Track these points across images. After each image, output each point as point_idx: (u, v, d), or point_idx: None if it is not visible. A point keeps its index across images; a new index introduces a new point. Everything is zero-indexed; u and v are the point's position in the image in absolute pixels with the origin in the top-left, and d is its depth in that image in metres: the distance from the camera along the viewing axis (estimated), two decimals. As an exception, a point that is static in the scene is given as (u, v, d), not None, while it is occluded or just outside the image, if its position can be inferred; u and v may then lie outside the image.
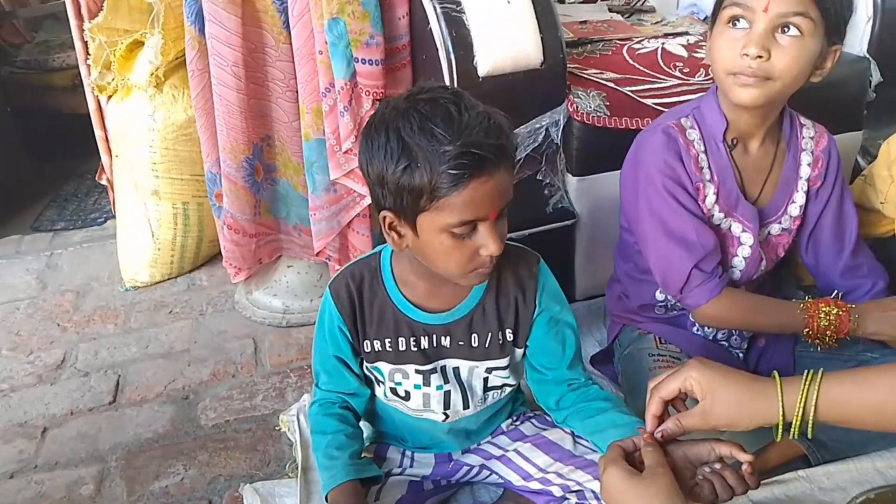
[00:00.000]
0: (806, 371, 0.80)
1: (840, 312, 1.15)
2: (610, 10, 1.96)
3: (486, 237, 0.86)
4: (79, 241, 2.26)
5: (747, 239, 1.20)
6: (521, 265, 1.02)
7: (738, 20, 1.06)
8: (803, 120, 1.24)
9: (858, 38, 1.58)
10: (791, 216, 1.23)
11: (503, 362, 1.04)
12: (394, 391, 1.06)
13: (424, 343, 1.01)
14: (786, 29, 1.04)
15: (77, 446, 1.39)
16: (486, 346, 1.02)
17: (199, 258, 2.00)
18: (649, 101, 1.40)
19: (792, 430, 0.80)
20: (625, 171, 1.25)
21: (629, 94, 1.42)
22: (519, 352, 1.06)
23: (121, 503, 1.26)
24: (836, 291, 1.23)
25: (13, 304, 1.89)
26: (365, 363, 1.06)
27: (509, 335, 1.03)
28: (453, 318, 1.01)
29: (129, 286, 1.94)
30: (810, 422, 0.79)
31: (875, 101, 1.61)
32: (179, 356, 1.64)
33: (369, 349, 1.03)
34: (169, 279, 1.96)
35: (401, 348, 1.01)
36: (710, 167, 1.17)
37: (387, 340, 1.01)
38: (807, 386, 0.78)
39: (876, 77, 1.58)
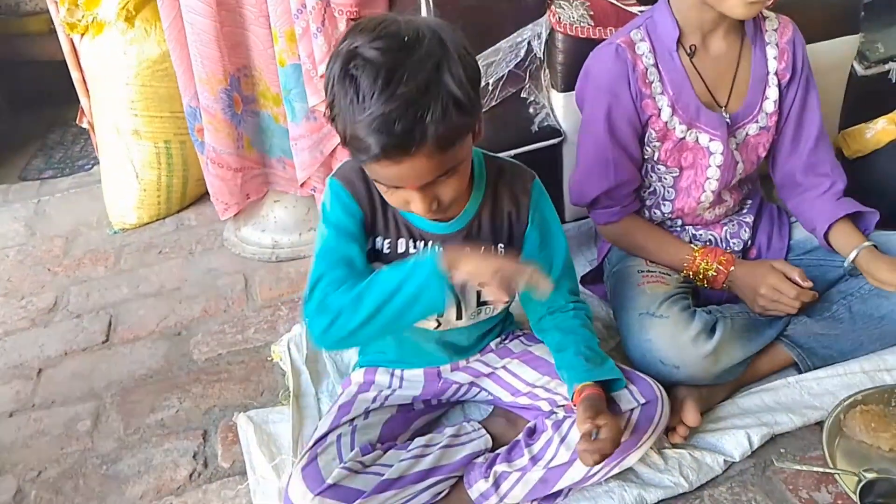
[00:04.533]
0: None
1: (716, 272, 1.20)
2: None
3: (411, 200, 0.86)
4: (66, 187, 2.23)
5: (717, 147, 1.19)
6: (516, 181, 1.02)
7: None
8: (766, 12, 1.20)
9: (855, -67, 1.50)
10: (767, 113, 1.21)
11: None
12: None
13: (421, 247, 1.00)
14: None
15: (72, 385, 1.40)
16: None
17: (186, 198, 1.98)
18: (634, 9, 1.34)
19: None
20: (578, 85, 1.25)
21: (614, 2, 1.35)
22: None
23: (118, 436, 1.27)
24: (730, 244, 1.28)
25: (2, 251, 1.88)
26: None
27: (502, 250, 1.02)
28: (450, 230, 1.00)
29: (117, 229, 1.92)
30: None
31: (873, 1, 1.55)
32: (171, 294, 1.64)
33: (370, 246, 1.00)
34: (157, 220, 1.94)
35: (399, 249, 1.00)
36: (661, 79, 1.16)
37: (387, 240, 1.00)
38: None
39: (875, -25, 1.51)
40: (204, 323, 1.53)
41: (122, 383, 1.39)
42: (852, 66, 1.60)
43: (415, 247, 1.00)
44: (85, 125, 2.09)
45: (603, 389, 0.99)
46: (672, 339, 1.10)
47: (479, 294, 1.04)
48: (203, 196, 1.98)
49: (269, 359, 1.39)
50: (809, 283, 1.15)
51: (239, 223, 1.80)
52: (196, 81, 1.56)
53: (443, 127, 0.78)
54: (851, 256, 1.16)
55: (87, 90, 1.98)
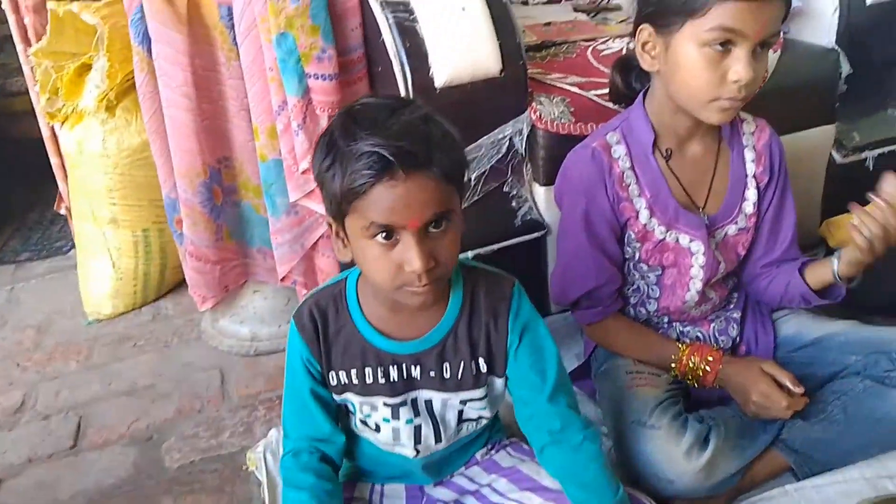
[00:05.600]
0: None
1: (703, 372, 1.17)
2: (575, 10, 1.91)
3: (408, 250, 0.81)
4: (42, 272, 2.19)
5: (698, 248, 1.18)
6: (494, 290, 0.96)
7: (725, 44, 1.00)
8: (743, 114, 1.20)
9: (826, 29, 1.54)
10: (746, 214, 1.20)
11: (478, 393, 0.98)
12: (364, 422, 1.00)
13: (393, 374, 0.95)
14: (763, 47, 1.02)
15: (35, 497, 1.32)
16: (459, 377, 0.96)
17: (163, 286, 1.94)
18: (615, 106, 1.35)
19: None
20: (555, 186, 1.25)
21: (594, 98, 1.37)
22: (499, 381, 0.99)
23: (80, 557, 1.20)
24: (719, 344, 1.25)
25: (-29, 343, 1.82)
26: (334, 396, 1.00)
27: (483, 365, 0.96)
28: (423, 346, 0.95)
29: (92, 319, 1.87)
30: None
31: (847, 92, 1.58)
32: (143, 392, 1.57)
33: (335, 382, 0.97)
34: (133, 310, 1.89)
35: (368, 380, 0.95)
36: (638, 182, 1.15)
37: (353, 371, 0.95)
38: None
39: (846, 68, 1.54)
40: (177, 425, 1.46)
41: (88, 495, 1.32)
42: (831, 154, 1.62)
43: (384, 374, 0.95)
44: (63, 211, 2.06)
45: None
46: (665, 452, 1.06)
47: (460, 413, 0.99)
48: (181, 283, 1.93)
49: (244, 467, 1.32)
50: (801, 389, 1.12)
51: (217, 314, 1.75)
52: (175, 174, 1.54)
53: (445, 154, 0.81)
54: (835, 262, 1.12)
55: (66, 176, 1.97)
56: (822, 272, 1.15)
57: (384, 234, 0.82)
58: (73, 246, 2.29)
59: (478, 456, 1.09)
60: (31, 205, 2.70)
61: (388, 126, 0.80)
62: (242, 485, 1.29)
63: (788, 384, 1.11)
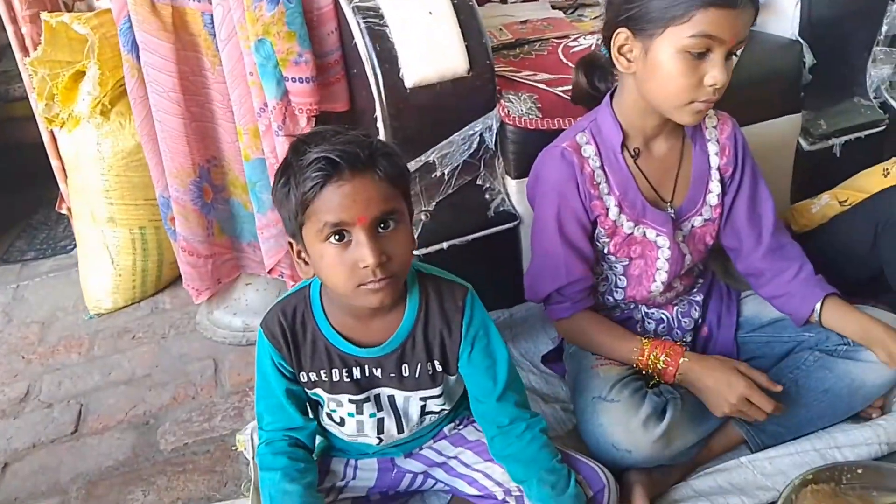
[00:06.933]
0: None
1: (666, 361, 1.19)
2: (553, 7, 1.96)
3: (360, 246, 0.88)
4: (46, 270, 2.27)
5: (664, 242, 1.23)
6: (447, 297, 1.02)
7: (703, 52, 1.04)
8: None
9: (789, 21, 1.60)
10: (711, 205, 1.25)
11: (436, 391, 1.04)
12: (329, 416, 1.07)
13: (357, 373, 1.02)
14: (734, 52, 1.06)
15: (38, 479, 1.40)
16: (417, 376, 1.03)
17: (161, 281, 2.02)
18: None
19: None
20: (528, 184, 1.29)
21: (560, 94, 1.43)
22: (452, 378, 1.06)
23: (81, 534, 1.28)
24: (681, 338, 1.31)
25: (-22, 339, 1.91)
26: (306, 390, 1.07)
27: (438, 366, 1.03)
28: (384, 352, 1.01)
29: (93, 314, 1.95)
30: None
31: (811, 82, 1.63)
32: (141, 381, 1.65)
33: (306, 379, 1.04)
34: (132, 304, 1.97)
35: (335, 379, 1.02)
36: (608, 181, 1.20)
37: (321, 372, 1.02)
38: None
39: (809, 59, 1.59)
40: (172, 411, 1.54)
41: (88, 476, 1.40)
42: (798, 141, 1.68)
43: (348, 374, 1.02)
44: (64, 211, 2.15)
45: None
46: (623, 423, 1.12)
47: (422, 408, 1.06)
48: (178, 278, 2.00)
49: (233, 448, 1.40)
50: (779, 388, 1.15)
51: (211, 306, 1.83)
52: (167, 174, 1.62)
53: (388, 160, 0.90)
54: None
55: (66, 177, 2.05)
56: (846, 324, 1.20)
57: (337, 236, 0.89)
58: (76, 244, 2.37)
59: (445, 430, 1.16)
60: (36, 206, 2.79)
61: (335, 140, 0.89)
62: (232, 465, 1.37)
63: (765, 383, 1.15)
